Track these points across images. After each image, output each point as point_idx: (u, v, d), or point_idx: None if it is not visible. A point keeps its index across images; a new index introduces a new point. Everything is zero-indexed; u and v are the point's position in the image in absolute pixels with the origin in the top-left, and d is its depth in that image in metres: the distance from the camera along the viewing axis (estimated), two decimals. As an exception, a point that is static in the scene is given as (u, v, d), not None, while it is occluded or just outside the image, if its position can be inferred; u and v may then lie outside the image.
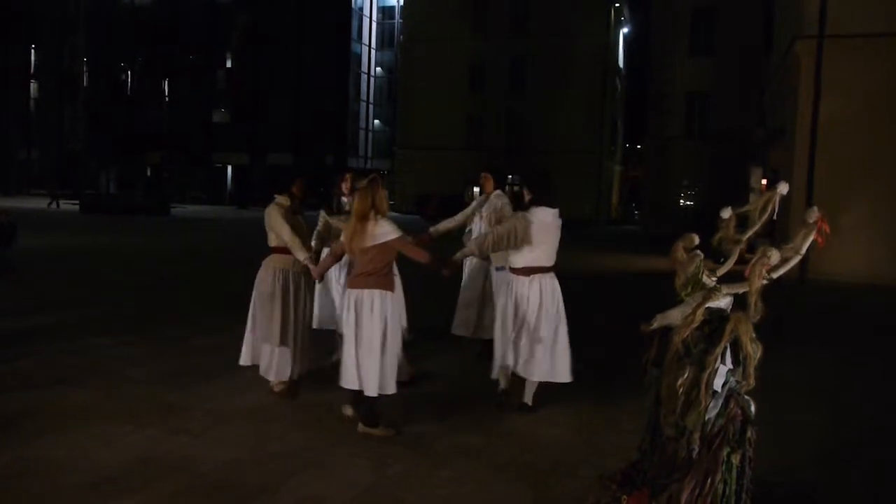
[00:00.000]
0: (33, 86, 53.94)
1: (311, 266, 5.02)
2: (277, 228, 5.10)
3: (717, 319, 3.02)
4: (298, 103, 44.70)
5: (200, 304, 9.32)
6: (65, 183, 48.31)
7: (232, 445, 4.29)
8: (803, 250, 2.85)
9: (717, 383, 2.97)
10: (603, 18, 39.86)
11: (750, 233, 3.25)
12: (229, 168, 48.56)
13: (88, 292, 9.95)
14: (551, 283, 4.93)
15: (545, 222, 4.83)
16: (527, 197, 4.93)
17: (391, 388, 4.48)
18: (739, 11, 29.75)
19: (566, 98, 38.70)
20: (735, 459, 2.92)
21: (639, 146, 47.43)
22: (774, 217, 3.13)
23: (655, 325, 3.27)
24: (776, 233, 13.53)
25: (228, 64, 48.67)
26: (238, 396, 5.24)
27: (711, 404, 2.95)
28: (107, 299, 9.38)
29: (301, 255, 5.03)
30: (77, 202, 34.45)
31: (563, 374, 4.95)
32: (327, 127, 44.98)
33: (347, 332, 4.45)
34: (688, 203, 33.28)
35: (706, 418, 2.95)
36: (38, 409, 4.80)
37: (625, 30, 46.75)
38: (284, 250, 5.14)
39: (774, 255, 2.79)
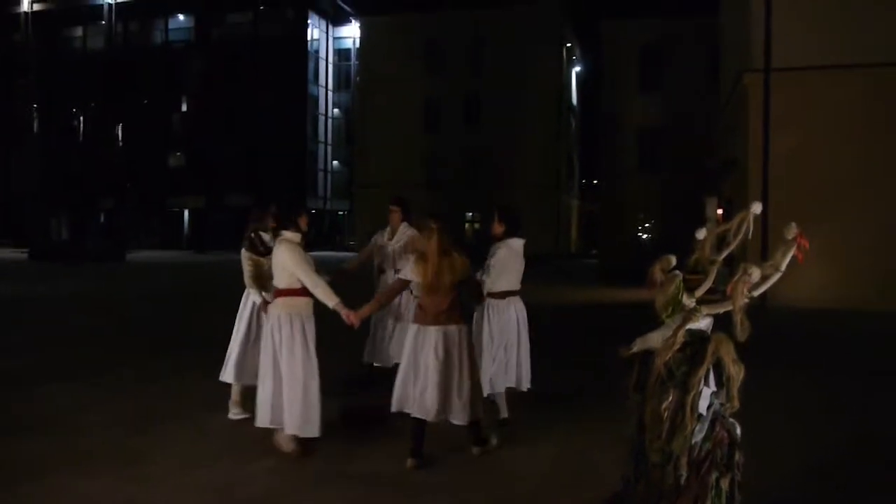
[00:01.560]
0: (-20, 132, 52.65)
1: (343, 311, 4.56)
2: (295, 269, 4.61)
3: (698, 341, 2.98)
4: (256, 146, 44.43)
5: (157, 348, 8.98)
6: (15, 230, 47.03)
7: (195, 493, 4.07)
8: (783, 267, 2.84)
9: (702, 406, 2.92)
10: (555, 57, 40.74)
11: (725, 252, 3.24)
12: (186, 212, 47.81)
13: (39, 341, 9.54)
14: (520, 304, 5.48)
15: (516, 251, 5.34)
16: (500, 228, 5.32)
17: (482, 412, 4.68)
18: (687, 47, 30.70)
19: (522, 135, 39.25)
20: (724, 484, 2.86)
21: (595, 181, 48.22)
22: (749, 236, 3.13)
23: (635, 348, 3.21)
24: (734, 260, 13.75)
25: (184, 107, 48.24)
26: (200, 440, 5.01)
27: (697, 428, 2.90)
28: (59, 347, 8.98)
29: (332, 301, 4.57)
30: (25, 250, 33.42)
31: (527, 381, 5.53)
32: (285, 169, 44.73)
33: (434, 369, 4.45)
34: (645, 236, 33.79)
35: (692, 442, 2.89)
36: (-13, 463, 4.51)
37: (577, 68, 47.85)
38: (297, 293, 4.67)
39: (755, 273, 2.77)
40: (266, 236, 5.44)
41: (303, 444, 4.68)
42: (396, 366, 6.40)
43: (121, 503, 3.89)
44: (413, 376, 4.52)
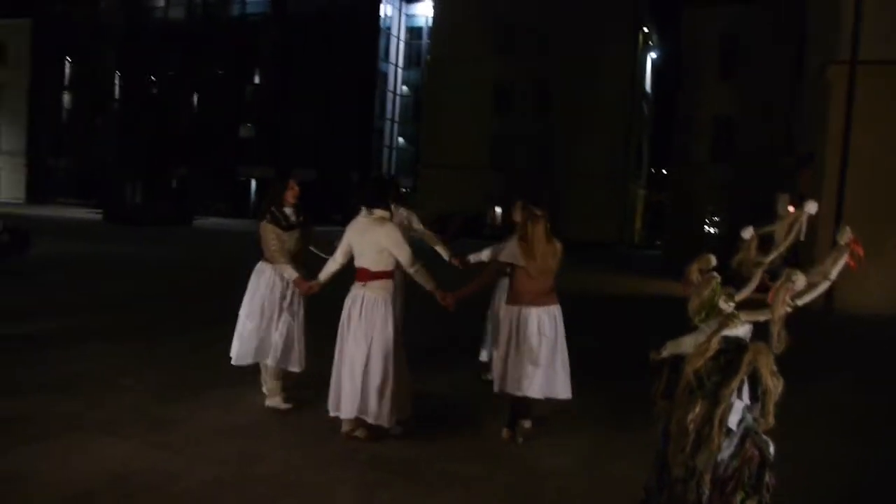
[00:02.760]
0: (66, 97, 54.82)
1: (440, 293, 4.57)
2: (397, 249, 4.48)
3: (733, 349, 2.73)
4: (324, 120, 44.89)
5: (205, 316, 9.12)
6: (90, 192, 49.04)
7: (214, 464, 4.05)
8: (833, 275, 2.56)
9: (733, 420, 2.68)
10: (630, 42, 39.67)
11: (774, 255, 2.96)
12: (253, 182, 48.83)
13: (95, 300, 9.83)
14: None
15: None
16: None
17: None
18: (770, 35, 29.34)
19: (592, 121, 38.45)
20: (750, 506, 2.63)
21: (663, 170, 46.96)
22: (801, 238, 2.85)
23: (666, 353, 2.98)
24: (800, 260, 13.10)
25: (256, 80, 49.07)
26: (230, 412, 5.01)
27: (725, 444, 2.66)
28: (112, 308, 9.24)
29: (431, 284, 4.56)
30: (101, 211, 34.78)
31: None
32: (351, 144, 45.07)
33: (545, 346, 4.66)
34: (712, 229, 32.73)
35: (718, 459, 2.66)
36: (22, 418, 4.62)
37: (653, 54, 46.49)
38: (390, 275, 4.56)
39: (800, 280, 2.50)
40: (288, 211, 5.10)
41: (378, 429, 4.52)
42: None
43: (138, 468, 3.91)
44: (516, 356, 4.65)
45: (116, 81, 52.30)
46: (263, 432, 4.65)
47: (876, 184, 13.67)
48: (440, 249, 5.85)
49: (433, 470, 4.16)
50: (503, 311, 4.86)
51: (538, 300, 4.70)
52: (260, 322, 5.06)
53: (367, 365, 4.41)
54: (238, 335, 5.18)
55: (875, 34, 13.60)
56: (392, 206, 5.99)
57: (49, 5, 51.80)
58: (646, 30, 41.96)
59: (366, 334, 4.43)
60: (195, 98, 49.80)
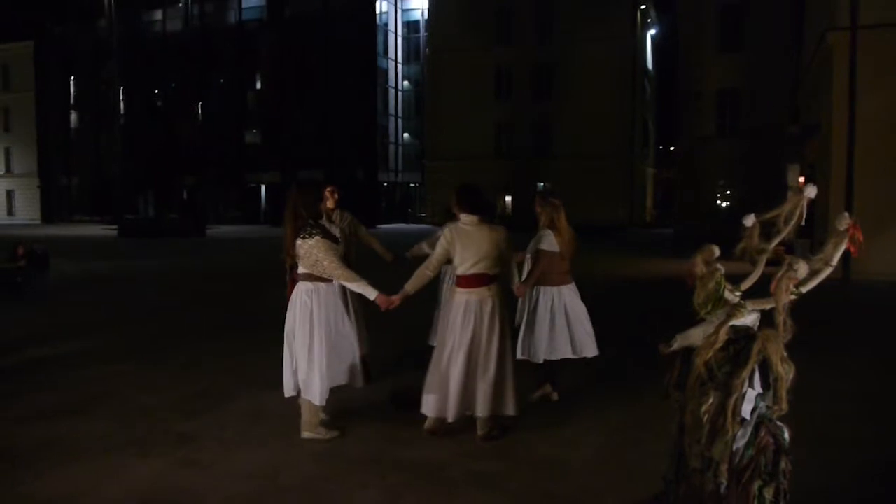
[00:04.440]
0: (73, 116, 55.22)
1: (518, 288, 5.24)
2: (512, 253, 4.94)
3: (742, 339, 2.76)
4: (327, 120, 44.95)
5: (225, 325, 9.24)
6: (104, 208, 49.47)
7: (241, 478, 4.13)
8: (834, 261, 2.58)
9: (746, 409, 2.71)
10: (629, 20, 39.38)
11: (776, 241, 2.98)
12: (263, 187, 49.02)
13: (114, 318, 9.95)
14: None
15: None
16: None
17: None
18: (769, 4, 29.07)
19: (595, 102, 38.25)
20: (768, 494, 2.66)
21: (672, 148, 46.69)
22: (803, 223, 2.87)
23: (675, 346, 3.01)
24: (815, 234, 13.03)
25: (258, 85, 49.20)
26: (253, 424, 5.09)
27: (740, 433, 2.69)
28: (131, 324, 9.35)
29: (516, 281, 5.11)
30: (115, 227, 35.08)
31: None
32: (357, 142, 45.13)
33: (570, 316, 5.41)
34: (724, 203, 32.54)
35: (734, 448, 2.69)
36: (51, 442, 4.71)
37: (652, 31, 46.15)
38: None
39: (802, 268, 2.52)
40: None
41: (502, 422, 4.79)
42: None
43: (167, 488, 3.98)
44: (557, 328, 5.36)
45: (120, 97, 52.58)
46: (288, 443, 4.71)
47: (884, 149, 13.56)
48: (381, 251, 6.26)
49: (455, 470, 4.21)
50: (541, 293, 5.40)
51: (566, 279, 5.47)
52: (332, 350, 4.68)
53: (506, 361, 4.71)
54: (311, 369, 4.59)
55: (874, -2, 13.47)
56: (338, 212, 6.09)
57: (49, 27, 52.14)
58: (643, 6, 41.64)
59: (501, 333, 4.68)
60: (199, 108, 50.02)
